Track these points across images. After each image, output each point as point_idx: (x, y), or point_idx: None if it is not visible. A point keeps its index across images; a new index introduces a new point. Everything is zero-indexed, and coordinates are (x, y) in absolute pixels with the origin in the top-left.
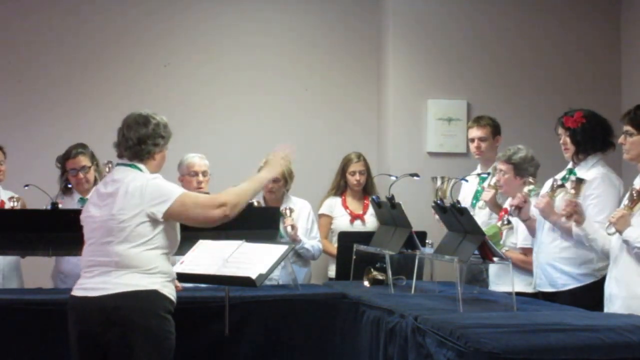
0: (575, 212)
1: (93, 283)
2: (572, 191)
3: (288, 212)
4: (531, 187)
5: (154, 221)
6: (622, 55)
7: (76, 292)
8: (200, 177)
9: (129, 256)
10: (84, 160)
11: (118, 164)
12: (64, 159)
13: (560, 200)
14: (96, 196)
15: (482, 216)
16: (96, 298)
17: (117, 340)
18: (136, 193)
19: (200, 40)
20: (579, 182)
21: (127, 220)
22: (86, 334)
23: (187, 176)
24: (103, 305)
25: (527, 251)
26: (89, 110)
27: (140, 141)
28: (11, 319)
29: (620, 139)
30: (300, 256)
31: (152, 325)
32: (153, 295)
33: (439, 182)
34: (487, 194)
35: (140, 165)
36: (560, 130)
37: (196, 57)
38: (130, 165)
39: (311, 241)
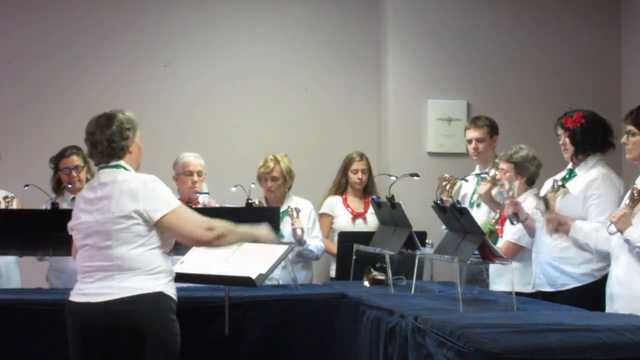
0: (555, 222)
1: (95, 288)
2: (552, 194)
3: (295, 213)
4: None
5: (147, 223)
6: (622, 55)
7: (76, 297)
8: (195, 177)
9: (131, 258)
10: (77, 160)
11: (101, 167)
12: (58, 159)
13: (561, 201)
14: (83, 202)
15: (480, 215)
16: (100, 304)
17: (125, 347)
18: (132, 194)
19: (200, 40)
20: (560, 187)
21: (123, 218)
22: (91, 341)
23: (182, 175)
24: (109, 311)
25: (512, 246)
26: (89, 110)
27: (110, 141)
28: (11, 319)
29: (623, 139)
30: (302, 256)
31: (160, 329)
32: (159, 298)
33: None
34: (483, 187)
35: (121, 163)
36: (560, 131)
37: (196, 57)
38: (114, 167)
39: (314, 241)
